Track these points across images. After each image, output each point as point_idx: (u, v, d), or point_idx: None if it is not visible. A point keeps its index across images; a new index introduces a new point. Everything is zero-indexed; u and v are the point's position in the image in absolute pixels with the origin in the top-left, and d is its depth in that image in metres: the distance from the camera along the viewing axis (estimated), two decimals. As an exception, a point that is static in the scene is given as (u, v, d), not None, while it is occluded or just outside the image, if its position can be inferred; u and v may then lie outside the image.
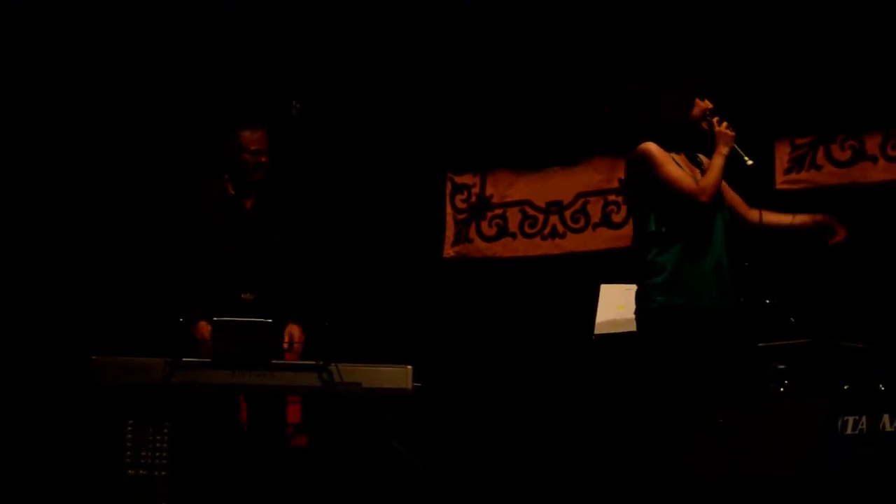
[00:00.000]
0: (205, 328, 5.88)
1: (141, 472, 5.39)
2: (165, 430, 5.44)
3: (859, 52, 6.66)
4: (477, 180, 7.87)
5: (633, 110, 4.94)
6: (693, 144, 4.99)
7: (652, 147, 4.84)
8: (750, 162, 4.87)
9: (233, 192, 6.12)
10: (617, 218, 7.45)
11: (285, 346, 5.96)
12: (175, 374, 5.44)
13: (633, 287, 5.22)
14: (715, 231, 4.87)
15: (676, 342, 4.73)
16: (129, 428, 5.42)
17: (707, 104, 4.96)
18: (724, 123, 4.89)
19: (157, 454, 5.41)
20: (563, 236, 7.61)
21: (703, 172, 4.91)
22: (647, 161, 4.82)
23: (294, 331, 6.07)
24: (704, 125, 4.92)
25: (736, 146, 4.86)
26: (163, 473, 5.40)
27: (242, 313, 5.78)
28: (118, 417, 5.44)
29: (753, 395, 5.60)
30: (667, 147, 4.86)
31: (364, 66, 7.70)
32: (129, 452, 5.39)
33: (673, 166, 4.81)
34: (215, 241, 6.04)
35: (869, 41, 6.63)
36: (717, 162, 4.83)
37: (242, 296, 6.01)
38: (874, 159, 6.71)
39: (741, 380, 5.22)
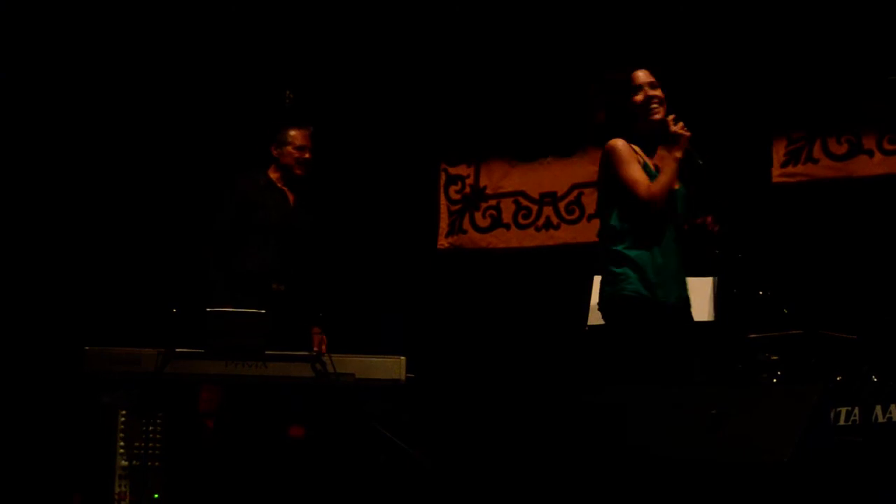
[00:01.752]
0: None
1: (134, 461, 5.40)
2: (159, 421, 5.45)
3: (855, 47, 6.66)
4: (471, 171, 7.88)
5: (606, 103, 4.90)
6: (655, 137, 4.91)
7: (618, 144, 4.78)
8: (700, 162, 4.79)
9: (281, 186, 6.21)
10: None
11: (315, 349, 5.95)
12: (168, 365, 5.44)
13: None
14: (668, 230, 4.84)
15: (636, 329, 4.71)
16: (123, 418, 5.42)
17: (656, 92, 4.84)
18: (680, 123, 4.79)
19: (151, 444, 5.42)
20: (557, 227, 7.64)
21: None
22: (612, 157, 4.77)
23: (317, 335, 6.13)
24: (656, 116, 4.81)
25: (689, 147, 4.77)
26: (156, 463, 5.41)
27: (273, 303, 5.81)
28: (112, 407, 5.43)
29: (745, 382, 5.67)
30: (634, 140, 4.81)
31: (359, 59, 7.70)
32: (122, 443, 5.40)
33: (633, 167, 4.74)
34: (259, 230, 6.08)
35: (864, 37, 6.63)
36: (670, 166, 4.74)
37: (274, 286, 6.04)
38: (871, 153, 6.70)
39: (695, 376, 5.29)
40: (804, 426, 3.98)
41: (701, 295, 5.28)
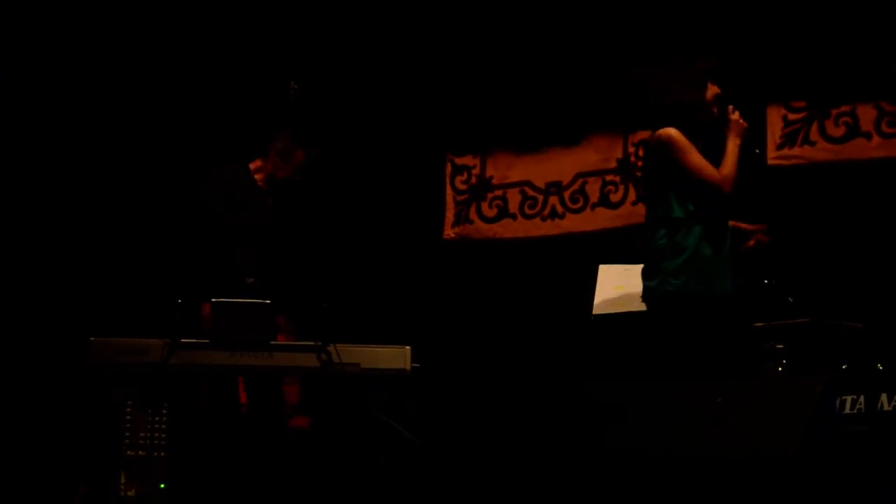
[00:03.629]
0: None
1: (140, 452, 5.36)
2: (164, 411, 5.41)
3: (852, 24, 6.62)
4: (477, 161, 7.88)
5: (670, 94, 4.95)
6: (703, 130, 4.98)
7: (674, 133, 4.84)
8: (757, 151, 4.97)
9: (262, 185, 6.19)
10: (615, 198, 7.46)
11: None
12: (173, 355, 5.40)
13: (632, 267, 5.26)
14: (725, 221, 4.94)
15: (692, 326, 4.78)
16: (129, 409, 5.39)
17: (717, 89, 4.97)
18: (737, 113, 4.90)
19: (156, 435, 5.38)
20: (562, 217, 7.63)
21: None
22: (671, 147, 4.83)
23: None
24: (715, 110, 4.93)
25: (747, 136, 4.92)
26: (162, 454, 5.37)
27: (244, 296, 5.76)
28: (117, 398, 5.39)
29: (750, 373, 5.59)
30: (685, 132, 4.86)
31: (365, 50, 7.69)
32: (127, 433, 5.36)
33: (696, 154, 4.83)
34: (234, 226, 6.06)
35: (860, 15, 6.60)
36: (734, 151, 4.85)
37: (247, 280, 6.00)
38: (868, 136, 6.66)
39: (741, 361, 5.30)
40: (809, 417, 4.02)
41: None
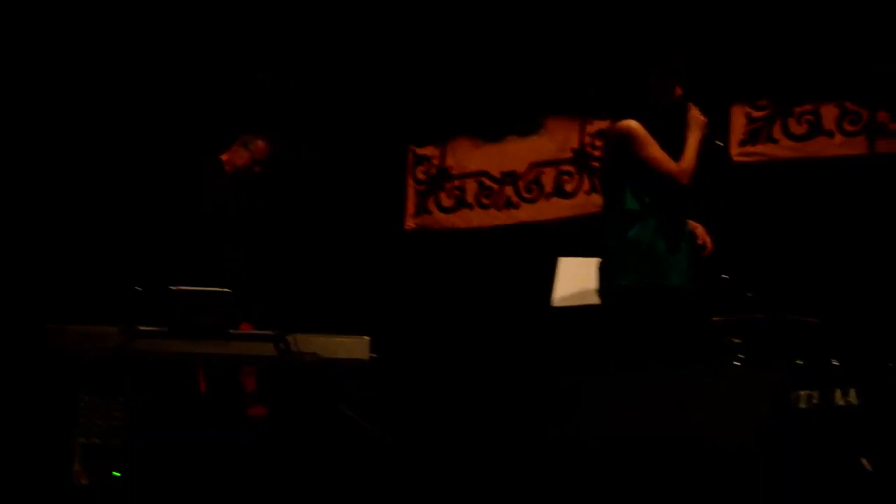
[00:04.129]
0: None
1: (94, 440, 5.35)
2: (120, 399, 5.41)
3: (816, 21, 6.63)
4: (437, 152, 7.87)
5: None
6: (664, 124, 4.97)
7: (634, 125, 4.83)
8: (720, 143, 4.99)
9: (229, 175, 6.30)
10: (570, 187, 7.45)
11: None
12: (131, 343, 5.38)
13: (591, 261, 5.21)
14: (682, 215, 4.91)
15: (645, 320, 4.76)
16: (85, 396, 5.39)
17: (679, 87, 4.97)
18: (697, 108, 4.90)
19: (112, 422, 5.37)
20: (517, 207, 7.63)
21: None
22: (630, 139, 4.82)
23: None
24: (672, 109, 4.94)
25: (707, 130, 4.89)
26: (117, 442, 5.36)
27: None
28: (73, 385, 5.41)
29: (709, 366, 5.61)
30: (646, 125, 4.85)
31: (330, 42, 7.68)
32: (82, 420, 5.36)
33: (655, 147, 4.81)
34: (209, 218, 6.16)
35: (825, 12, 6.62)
36: (694, 145, 4.83)
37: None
38: (830, 134, 6.67)
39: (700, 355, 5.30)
40: (766, 410, 4.05)
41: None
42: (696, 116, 4.90)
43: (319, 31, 7.63)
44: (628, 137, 4.83)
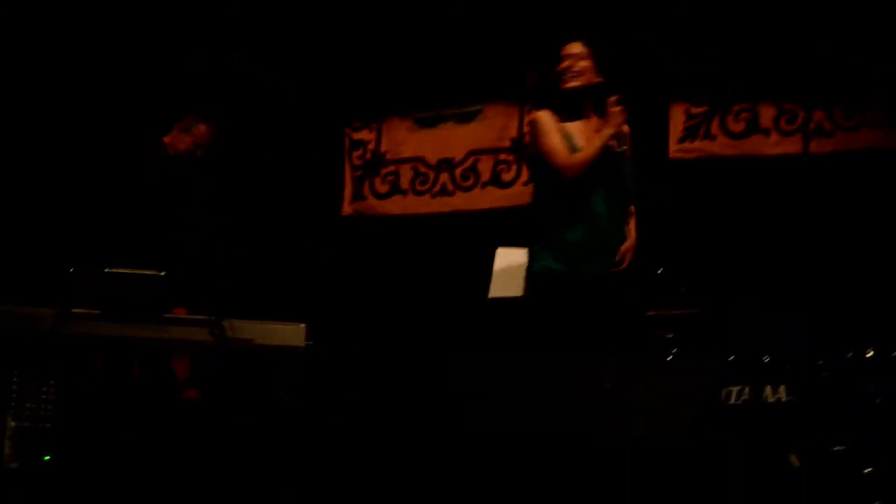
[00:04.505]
0: None
1: (25, 423, 5.28)
2: (52, 382, 5.34)
3: (757, 22, 6.71)
4: (373, 136, 7.85)
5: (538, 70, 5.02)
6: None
7: (541, 115, 4.88)
8: (623, 148, 4.89)
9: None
10: (506, 177, 7.47)
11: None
12: (64, 325, 5.31)
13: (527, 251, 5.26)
14: (596, 202, 4.88)
15: (556, 306, 4.80)
16: (16, 378, 5.30)
17: (575, 63, 4.92)
18: (619, 107, 4.85)
19: (43, 406, 5.30)
20: (452, 194, 7.64)
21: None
22: (534, 128, 4.89)
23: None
24: (567, 85, 4.90)
25: (621, 131, 4.87)
26: (48, 425, 5.29)
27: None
28: (5, 367, 5.31)
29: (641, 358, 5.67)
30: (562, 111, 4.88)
31: (272, 27, 7.60)
32: (13, 403, 5.28)
33: (553, 137, 4.83)
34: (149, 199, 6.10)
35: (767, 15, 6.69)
36: (597, 141, 4.82)
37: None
38: (767, 132, 6.76)
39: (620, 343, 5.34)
40: (696, 403, 4.10)
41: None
42: (613, 114, 4.84)
43: (261, 17, 7.55)
44: (533, 127, 4.90)
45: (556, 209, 4.85)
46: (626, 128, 4.91)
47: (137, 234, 6.00)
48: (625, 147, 4.90)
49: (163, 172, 6.24)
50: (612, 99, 4.82)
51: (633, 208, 5.05)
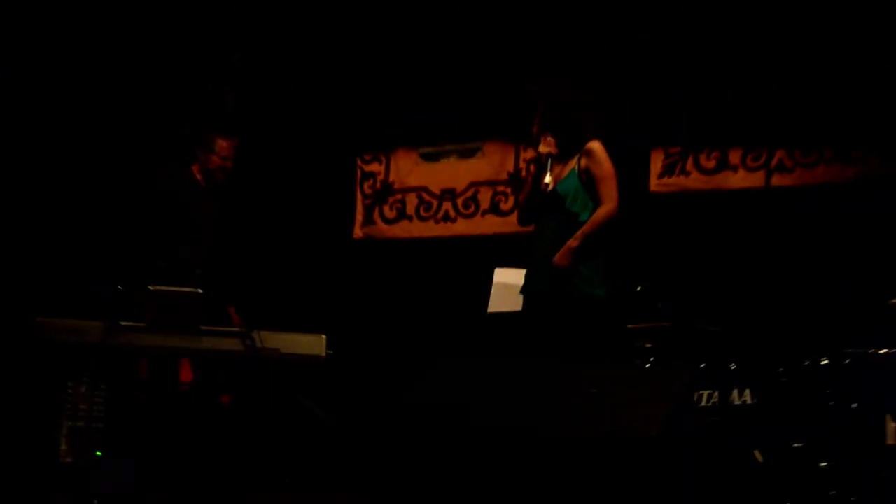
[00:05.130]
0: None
1: (79, 423, 5.56)
2: (102, 386, 5.63)
3: (726, 72, 7.09)
4: (382, 168, 8.16)
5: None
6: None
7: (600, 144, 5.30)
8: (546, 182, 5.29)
9: (203, 185, 6.42)
10: (505, 207, 7.80)
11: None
12: (112, 336, 5.64)
13: (523, 271, 5.61)
14: (544, 231, 5.36)
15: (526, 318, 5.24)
16: (70, 384, 5.60)
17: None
18: (547, 142, 5.32)
19: (94, 407, 5.58)
20: (454, 220, 7.95)
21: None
22: (601, 154, 5.35)
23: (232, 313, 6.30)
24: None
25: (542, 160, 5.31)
26: (99, 425, 5.57)
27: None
28: (60, 374, 5.60)
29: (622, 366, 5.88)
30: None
31: (288, 62, 7.97)
32: (69, 406, 5.57)
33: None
34: (179, 221, 6.32)
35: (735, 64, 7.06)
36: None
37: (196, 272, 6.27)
38: (735, 168, 7.10)
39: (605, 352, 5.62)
40: (670, 406, 4.25)
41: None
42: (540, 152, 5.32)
43: (279, 50, 7.88)
44: (600, 153, 5.34)
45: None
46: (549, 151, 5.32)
47: (176, 254, 6.27)
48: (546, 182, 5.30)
49: (194, 196, 6.37)
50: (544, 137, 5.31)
51: None
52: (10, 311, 6.45)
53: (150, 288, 5.83)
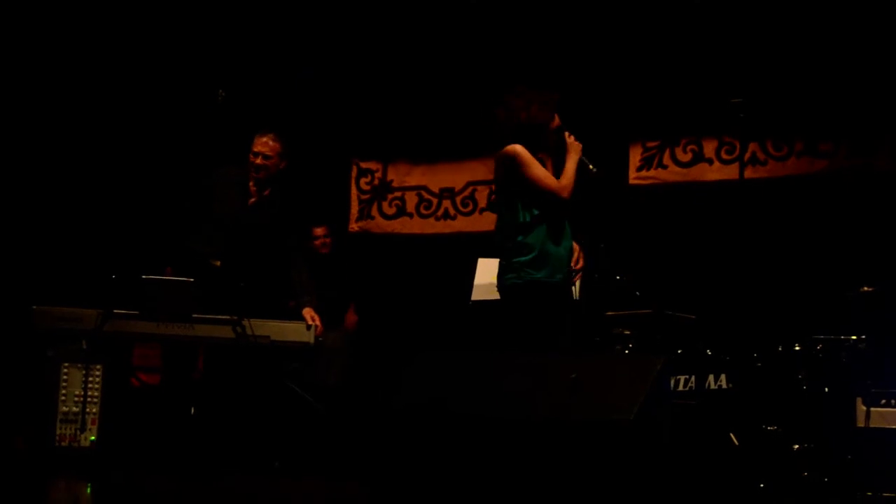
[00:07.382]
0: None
1: (74, 408, 5.62)
2: (97, 372, 5.68)
3: (701, 67, 7.11)
4: (380, 167, 8.22)
5: (513, 112, 5.17)
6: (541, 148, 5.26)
7: (519, 148, 5.06)
8: (594, 169, 5.18)
9: (252, 185, 6.30)
10: None
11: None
12: (106, 324, 5.71)
13: None
14: (566, 223, 5.18)
15: (539, 309, 5.05)
16: (65, 369, 5.66)
17: (558, 120, 5.24)
18: (572, 136, 5.19)
19: (90, 393, 5.64)
20: (454, 218, 8.03)
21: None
22: (516, 161, 5.06)
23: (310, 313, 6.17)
24: (554, 136, 5.21)
25: (583, 156, 5.18)
26: (94, 410, 5.63)
27: (211, 276, 6.08)
28: (55, 360, 5.65)
29: (601, 352, 5.91)
30: (529, 148, 5.12)
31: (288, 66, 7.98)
32: (63, 391, 5.63)
33: (538, 166, 5.07)
34: (213, 219, 6.23)
35: (710, 59, 7.09)
36: (572, 166, 5.10)
37: (215, 262, 6.21)
38: (710, 161, 7.17)
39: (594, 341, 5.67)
40: (648, 390, 4.20)
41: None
42: (572, 143, 5.15)
43: (282, 57, 7.89)
44: (515, 160, 5.06)
45: (536, 227, 5.07)
46: (579, 143, 5.20)
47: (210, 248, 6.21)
48: (593, 168, 5.18)
49: (229, 196, 6.27)
50: (567, 132, 5.18)
51: None
52: (7, 300, 6.71)
53: (144, 277, 5.86)
